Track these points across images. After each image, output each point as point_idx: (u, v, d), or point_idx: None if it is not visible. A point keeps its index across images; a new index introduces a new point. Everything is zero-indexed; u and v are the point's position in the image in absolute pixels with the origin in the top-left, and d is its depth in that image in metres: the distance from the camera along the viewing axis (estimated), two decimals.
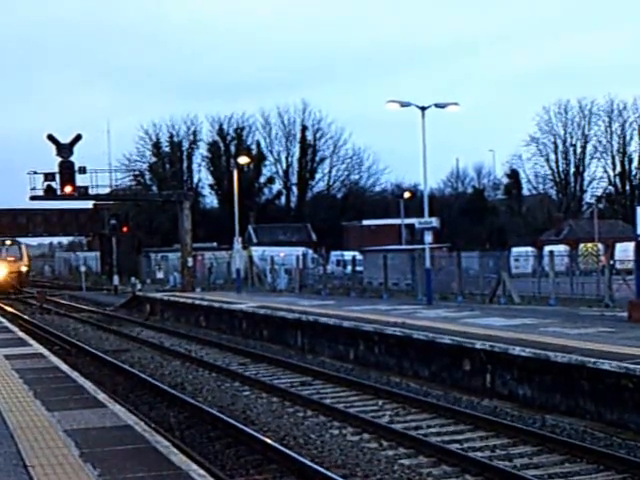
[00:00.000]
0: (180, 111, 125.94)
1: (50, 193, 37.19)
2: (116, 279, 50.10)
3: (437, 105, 27.94)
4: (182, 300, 33.98)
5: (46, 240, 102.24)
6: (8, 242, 55.09)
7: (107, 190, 41.37)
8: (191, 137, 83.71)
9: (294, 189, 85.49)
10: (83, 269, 57.48)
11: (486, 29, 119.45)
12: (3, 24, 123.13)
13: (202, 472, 7.51)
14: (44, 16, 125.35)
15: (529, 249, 49.91)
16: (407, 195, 68.95)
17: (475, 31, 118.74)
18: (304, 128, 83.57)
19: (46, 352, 16.73)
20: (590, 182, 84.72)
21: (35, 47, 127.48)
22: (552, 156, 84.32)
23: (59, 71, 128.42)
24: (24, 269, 55.42)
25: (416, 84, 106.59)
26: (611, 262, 29.86)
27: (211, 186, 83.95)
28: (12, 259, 54.14)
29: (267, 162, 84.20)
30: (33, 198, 38.77)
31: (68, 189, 36.52)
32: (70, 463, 7.58)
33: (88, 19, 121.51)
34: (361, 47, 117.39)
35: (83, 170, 37.10)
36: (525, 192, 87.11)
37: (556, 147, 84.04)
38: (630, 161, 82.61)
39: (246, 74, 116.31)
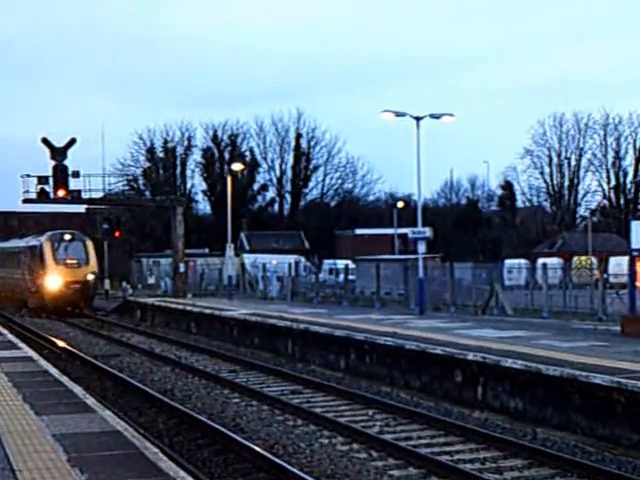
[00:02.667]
0: (175, 117, 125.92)
1: (43, 196, 37.15)
2: (107, 283, 49.99)
3: (432, 115, 28.06)
4: (173, 306, 33.91)
5: None
6: (67, 236, 38.56)
7: (100, 194, 41.35)
8: (185, 143, 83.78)
9: (287, 197, 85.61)
10: None
11: (482, 42, 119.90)
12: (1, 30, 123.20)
13: (190, 479, 7.50)
14: (42, 23, 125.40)
15: (522, 261, 49.99)
16: (401, 205, 69.07)
17: (471, 44, 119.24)
18: (298, 136, 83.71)
19: (36, 356, 16.70)
20: (584, 195, 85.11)
21: (32, 52, 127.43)
22: (547, 169, 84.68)
23: (55, 76, 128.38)
24: (91, 278, 38.32)
25: (411, 95, 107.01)
26: (605, 276, 29.94)
27: (204, 192, 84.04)
28: (73, 262, 38.01)
29: (261, 169, 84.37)
30: (26, 201, 38.72)
31: (61, 193, 36.49)
32: (58, 468, 7.55)
33: (85, 27, 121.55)
34: (357, 58, 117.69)
35: (77, 174, 37.08)
36: (519, 204, 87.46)
37: (550, 160, 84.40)
38: (625, 175, 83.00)
39: (242, 83, 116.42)
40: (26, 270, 40.35)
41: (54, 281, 37.39)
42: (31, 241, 41.42)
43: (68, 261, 37.93)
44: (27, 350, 17.84)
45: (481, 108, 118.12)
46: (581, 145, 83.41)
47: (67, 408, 10.52)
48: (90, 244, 39.21)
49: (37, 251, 38.76)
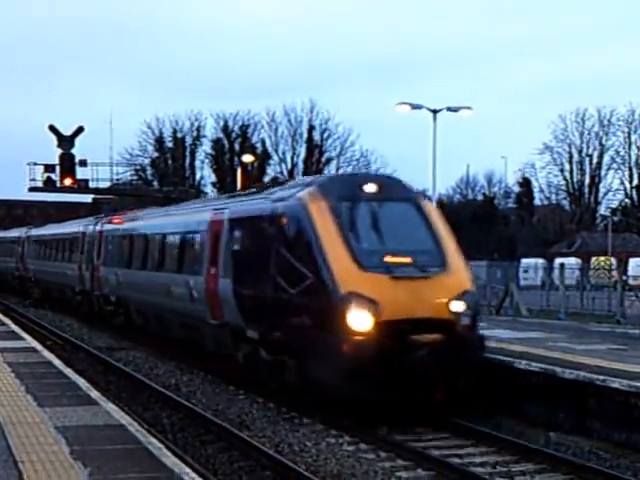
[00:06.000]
0: (184, 107, 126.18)
1: (49, 185, 37.37)
2: None
3: (449, 109, 28.06)
4: None
5: None
6: (372, 187, 14.21)
7: (107, 184, 41.60)
8: (195, 133, 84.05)
9: None
10: None
11: (503, 37, 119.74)
12: (11, 21, 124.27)
13: (194, 475, 7.57)
14: (51, 13, 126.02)
15: (539, 260, 49.96)
16: None
17: (491, 38, 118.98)
18: (311, 128, 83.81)
19: (39, 347, 16.82)
20: (605, 194, 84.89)
21: (41, 43, 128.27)
22: (567, 166, 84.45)
23: (64, 64, 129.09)
24: (462, 308, 13.24)
25: (428, 90, 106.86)
26: (624, 277, 29.90)
27: (214, 184, 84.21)
28: (406, 261, 13.19)
29: (272, 161, 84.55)
30: (32, 189, 38.98)
31: (68, 181, 36.67)
32: (60, 460, 7.63)
33: (95, 16, 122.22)
34: (372, 50, 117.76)
35: (84, 163, 37.28)
36: (537, 202, 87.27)
37: (571, 157, 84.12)
38: None
39: (254, 74, 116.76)
40: (227, 277, 16.30)
41: (358, 320, 12.56)
42: (253, 201, 16.45)
43: (390, 259, 13.30)
44: (30, 341, 17.98)
45: (500, 102, 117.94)
46: (604, 142, 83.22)
47: (70, 400, 10.62)
48: (434, 212, 15.36)
49: (286, 230, 14.25)
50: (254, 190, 18.19)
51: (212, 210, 17.90)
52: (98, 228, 28.59)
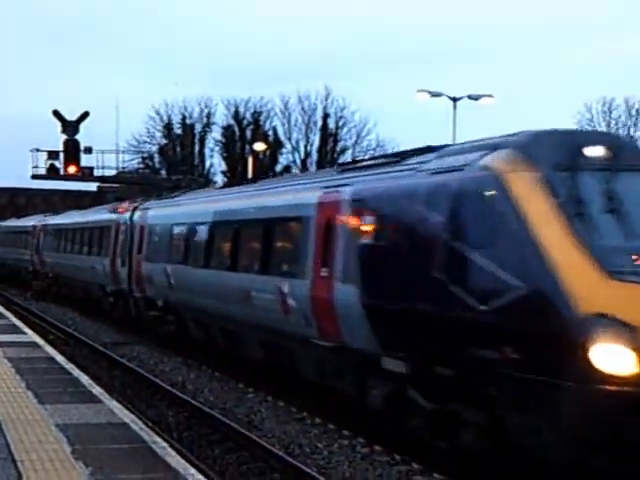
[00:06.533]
0: (194, 92, 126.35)
1: (53, 172, 37.51)
2: None
3: (470, 97, 28.04)
4: None
5: None
6: (597, 151, 9.79)
7: (113, 172, 41.73)
8: (205, 120, 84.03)
9: None
10: None
11: (524, 21, 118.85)
12: (19, 3, 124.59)
13: (200, 477, 7.62)
14: None
15: None
16: None
17: (513, 22, 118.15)
18: (326, 116, 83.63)
19: (41, 341, 16.96)
20: None
21: (44, 23, 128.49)
22: None
23: (69, 48, 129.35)
24: None
25: (448, 77, 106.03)
26: None
27: (224, 173, 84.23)
28: None
29: (284, 150, 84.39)
30: (35, 177, 39.14)
31: (72, 169, 36.79)
32: (61, 460, 7.70)
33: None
34: (391, 36, 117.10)
35: (89, 150, 37.41)
36: None
37: None
38: None
39: (267, 60, 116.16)
40: (349, 282, 12.08)
41: (611, 357, 8.22)
42: (392, 174, 11.98)
43: None
44: (32, 335, 18.11)
45: (523, 90, 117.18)
46: (632, 133, 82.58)
47: (72, 397, 10.71)
48: None
49: (465, 215, 9.99)
50: (384, 160, 13.48)
51: (321, 188, 13.62)
52: (139, 213, 23.83)
